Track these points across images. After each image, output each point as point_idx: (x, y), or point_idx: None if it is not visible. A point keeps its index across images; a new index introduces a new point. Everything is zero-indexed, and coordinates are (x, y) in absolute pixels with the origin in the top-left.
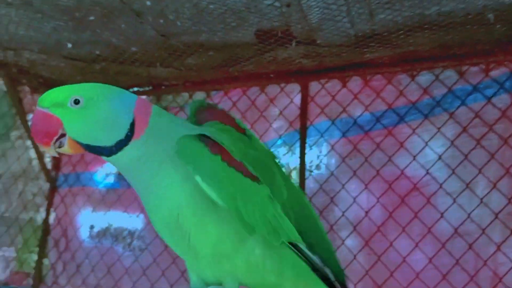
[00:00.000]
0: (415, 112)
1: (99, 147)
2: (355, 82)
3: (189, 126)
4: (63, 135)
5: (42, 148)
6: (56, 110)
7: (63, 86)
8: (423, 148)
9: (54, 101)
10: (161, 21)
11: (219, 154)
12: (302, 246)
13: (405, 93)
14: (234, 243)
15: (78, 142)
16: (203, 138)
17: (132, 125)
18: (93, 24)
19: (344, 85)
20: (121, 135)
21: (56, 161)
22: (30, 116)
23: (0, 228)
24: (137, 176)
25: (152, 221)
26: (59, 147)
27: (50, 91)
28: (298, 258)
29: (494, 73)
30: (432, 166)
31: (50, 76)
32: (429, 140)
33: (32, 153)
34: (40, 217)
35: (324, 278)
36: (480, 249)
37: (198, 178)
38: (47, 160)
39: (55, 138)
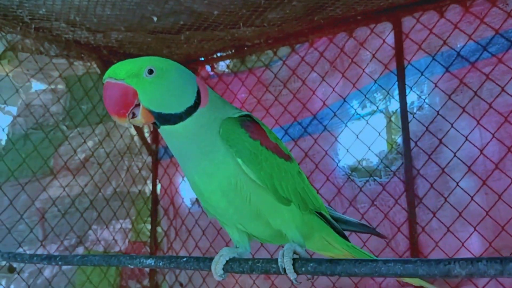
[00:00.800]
0: None
1: (169, 114)
2: (454, 10)
3: (234, 108)
4: (136, 106)
5: (117, 120)
6: (131, 81)
7: (134, 59)
8: None
9: (130, 73)
10: None
11: (258, 139)
12: (325, 212)
13: None
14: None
15: (150, 111)
16: (244, 122)
17: (198, 94)
18: None
19: (441, 16)
20: (191, 101)
21: (155, 135)
22: None
23: (115, 203)
24: (194, 145)
25: (202, 186)
26: (132, 118)
27: (121, 63)
28: (322, 222)
29: None
30: None
31: (139, 53)
32: None
33: (133, 130)
34: (148, 189)
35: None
36: None
37: (239, 160)
38: (147, 135)
39: (131, 109)
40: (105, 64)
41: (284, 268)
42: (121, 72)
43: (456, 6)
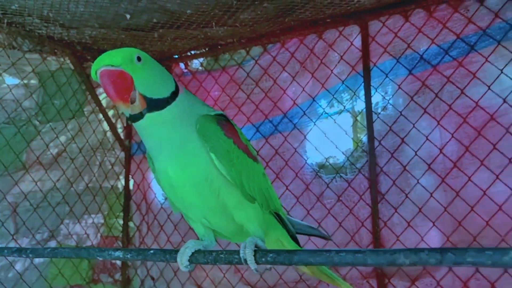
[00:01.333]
0: (487, 39)
1: (158, 99)
2: (418, 15)
3: (207, 105)
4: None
5: (121, 106)
6: (127, 67)
7: (121, 49)
8: (498, 76)
9: (125, 59)
10: None
11: (231, 138)
12: (282, 214)
13: (474, 20)
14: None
15: (144, 97)
16: (220, 120)
17: (174, 81)
18: None
19: (406, 20)
20: (173, 86)
21: (128, 131)
22: (99, 91)
23: (87, 198)
24: (173, 133)
25: (173, 178)
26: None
27: (112, 52)
28: (279, 223)
29: None
30: (509, 94)
31: (112, 49)
32: (504, 67)
33: (106, 126)
34: (120, 184)
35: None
36: None
37: (213, 156)
38: (120, 131)
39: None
40: (78, 60)
41: (246, 259)
42: (117, 59)
43: (421, 11)
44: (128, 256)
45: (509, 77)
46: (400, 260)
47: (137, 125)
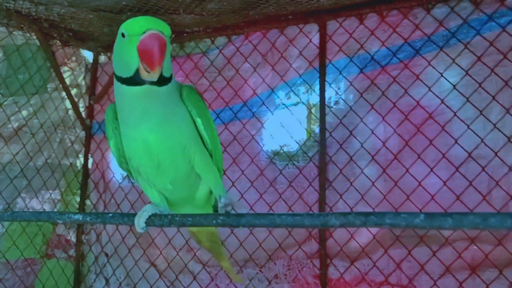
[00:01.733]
0: (431, 45)
1: (164, 77)
2: (372, 19)
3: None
4: None
5: (155, 72)
6: (168, 40)
7: (162, 21)
8: (438, 79)
9: (169, 33)
10: None
11: (206, 106)
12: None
13: (421, 27)
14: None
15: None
16: (197, 91)
17: None
18: None
19: (361, 22)
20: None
21: (90, 110)
22: (63, 69)
23: (45, 173)
24: (161, 106)
25: (154, 145)
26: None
27: (161, 21)
28: None
29: (509, 1)
30: (447, 95)
31: (80, 29)
32: (444, 71)
33: (68, 104)
34: (79, 162)
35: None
36: (493, 171)
37: (199, 120)
38: (82, 110)
39: None
40: (44, 37)
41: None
42: (168, 31)
43: (374, 15)
44: (88, 219)
45: (448, 81)
46: (331, 222)
47: (128, 91)
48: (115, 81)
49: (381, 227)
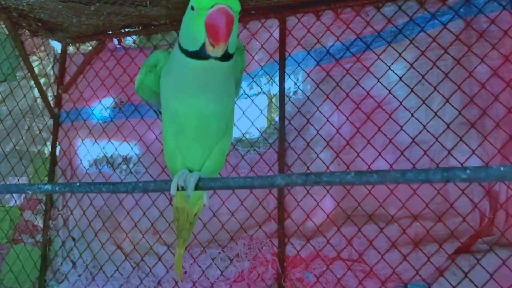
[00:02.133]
0: (380, 40)
1: (229, 54)
2: (328, 15)
3: None
4: None
5: (220, 46)
6: (236, 16)
7: None
8: (386, 71)
9: (239, 9)
10: None
11: None
12: None
13: (372, 23)
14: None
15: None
16: None
17: None
18: None
19: (318, 18)
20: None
21: (58, 99)
22: (32, 58)
23: (13, 160)
24: (217, 80)
25: (199, 111)
26: None
27: None
28: None
29: (450, 1)
30: (394, 86)
31: (48, 19)
32: (391, 64)
33: (36, 93)
34: (47, 150)
35: None
36: (433, 155)
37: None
38: (50, 99)
39: None
40: (13, 26)
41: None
42: (237, 7)
43: (330, 12)
44: (56, 188)
45: (395, 73)
46: (277, 182)
47: (191, 64)
48: (177, 52)
49: (319, 184)
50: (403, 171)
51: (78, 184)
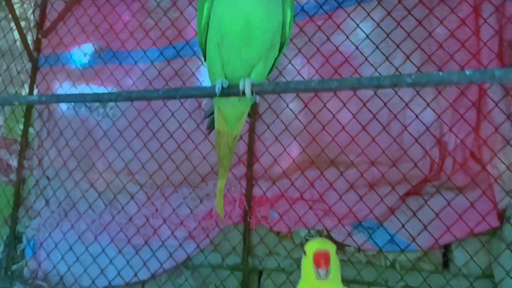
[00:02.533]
0: (351, 0)
1: None
2: None
3: None
4: None
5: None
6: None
7: None
8: (354, 29)
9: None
10: None
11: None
12: None
13: None
14: None
15: None
16: None
17: None
18: None
19: None
20: None
21: (37, 44)
22: (14, 0)
23: None
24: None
25: (252, 18)
26: None
27: None
28: None
29: None
30: (361, 43)
31: None
32: (360, 22)
33: (16, 35)
34: (24, 91)
35: None
36: (392, 106)
37: (288, 11)
38: (29, 43)
39: None
40: None
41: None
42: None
43: None
44: (43, 99)
45: (363, 31)
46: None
47: None
48: None
49: (286, 92)
50: (359, 79)
51: (64, 94)
